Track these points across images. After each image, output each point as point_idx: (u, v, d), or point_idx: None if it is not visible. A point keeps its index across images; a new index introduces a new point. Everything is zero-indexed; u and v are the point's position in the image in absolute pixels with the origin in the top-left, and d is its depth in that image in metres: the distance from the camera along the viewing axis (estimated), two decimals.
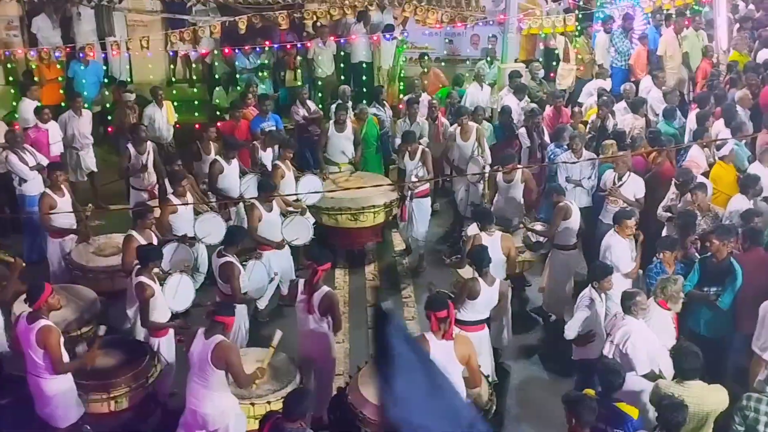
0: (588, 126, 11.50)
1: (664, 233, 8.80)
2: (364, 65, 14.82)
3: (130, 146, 10.71)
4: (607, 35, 14.16)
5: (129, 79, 14.92)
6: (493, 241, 7.54)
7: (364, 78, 14.81)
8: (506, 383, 8.38)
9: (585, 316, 7.34)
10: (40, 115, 11.33)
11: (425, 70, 13.71)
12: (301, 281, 7.47)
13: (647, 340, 6.71)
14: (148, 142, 10.83)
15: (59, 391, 6.73)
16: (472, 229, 9.65)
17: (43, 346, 6.56)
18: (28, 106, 11.90)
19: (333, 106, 12.08)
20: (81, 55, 13.41)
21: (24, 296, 7.59)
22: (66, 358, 6.73)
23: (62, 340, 6.74)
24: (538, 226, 9.34)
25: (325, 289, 7.30)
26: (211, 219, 9.32)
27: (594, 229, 9.48)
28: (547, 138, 11.12)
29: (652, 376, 6.51)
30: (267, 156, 10.59)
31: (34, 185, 10.18)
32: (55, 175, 9.28)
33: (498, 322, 8.13)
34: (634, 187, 9.39)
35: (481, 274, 7.45)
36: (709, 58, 13.49)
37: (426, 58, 13.97)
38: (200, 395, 6.45)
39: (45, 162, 10.44)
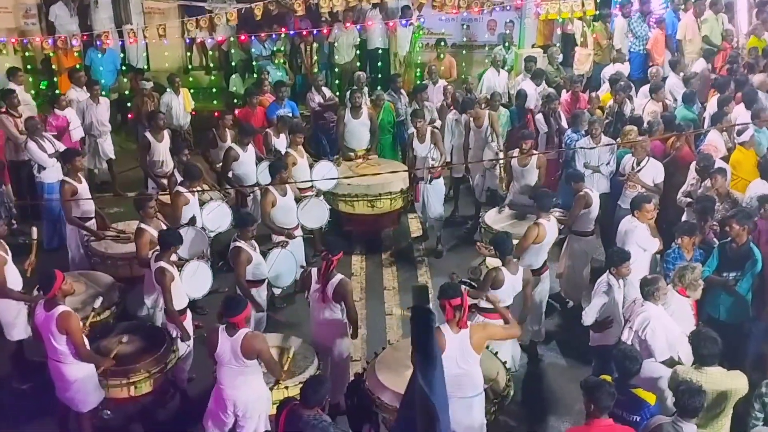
0: (605, 111, 11.42)
1: (683, 218, 8.75)
2: (380, 51, 14.78)
3: (147, 134, 10.75)
4: (625, 20, 14.04)
5: (146, 67, 14.97)
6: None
7: (380, 64, 14.78)
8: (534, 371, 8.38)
9: (603, 303, 7.30)
10: (58, 103, 11.40)
11: (441, 56, 13.66)
12: (314, 270, 7.46)
13: (666, 326, 6.67)
14: (165, 130, 10.87)
15: (79, 376, 6.78)
16: (489, 217, 9.65)
17: (65, 331, 6.60)
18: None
19: (348, 92, 12.08)
20: (98, 43, 13.46)
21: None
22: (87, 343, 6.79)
23: (81, 325, 6.79)
24: (557, 213, 9.29)
25: (339, 276, 7.29)
26: (217, 208, 9.31)
27: (612, 215, 9.43)
28: (564, 123, 11.07)
29: (670, 363, 6.47)
30: (281, 142, 10.58)
31: (52, 173, 10.26)
32: (73, 161, 9.32)
33: (529, 315, 8.11)
34: (653, 172, 9.32)
35: (504, 262, 7.42)
36: (729, 42, 13.34)
37: (443, 44, 13.91)
38: (237, 382, 6.41)
39: (63, 149, 10.49)
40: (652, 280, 6.84)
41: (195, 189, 9.04)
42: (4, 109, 11.15)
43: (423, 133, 10.45)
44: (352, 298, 7.38)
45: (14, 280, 7.73)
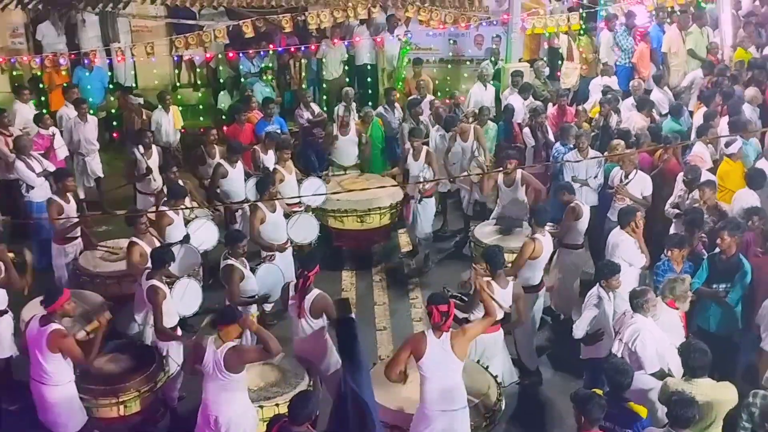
0: (592, 124, 11.48)
1: (671, 231, 8.79)
2: (368, 67, 14.84)
3: (136, 150, 10.74)
4: (610, 33, 14.15)
5: (134, 85, 14.98)
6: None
7: (368, 80, 14.82)
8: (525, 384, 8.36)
9: (593, 315, 7.31)
10: (42, 122, 11.38)
11: (418, 74, 13.68)
12: (292, 285, 7.45)
13: (656, 338, 6.67)
14: (154, 147, 10.86)
15: (61, 398, 6.72)
16: (479, 231, 9.65)
17: (58, 349, 6.56)
18: (21, 109, 12.01)
19: (339, 111, 12.12)
20: (86, 61, 13.47)
21: (33, 301, 7.68)
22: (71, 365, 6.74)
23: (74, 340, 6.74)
24: (547, 227, 9.29)
25: (316, 291, 7.26)
26: (203, 225, 9.28)
27: (601, 228, 9.45)
28: (551, 137, 11.12)
29: (660, 375, 6.48)
30: (269, 159, 10.57)
31: (40, 191, 10.23)
32: (65, 181, 9.32)
33: (522, 333, 8.14)
34: (641, 185, 9.37)
35: (494, 276, 7.42)
36: (714, 55, 13.46)
37: (420, 62, 13.92)
38: (221, 399, 6.39)
39: (51, 168, 10.47)
40: (642, 292, 6.86)
41: (181, 207, 9.01)
42: None
43: (419, 151, 10.46)
44: (333, 310, 7.27)
45: (2, 299, 7.71)
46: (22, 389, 7.35)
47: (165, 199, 9.29)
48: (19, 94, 12.37)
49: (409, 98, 12.43)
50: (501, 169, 9.76)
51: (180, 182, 9.58)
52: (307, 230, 9.59)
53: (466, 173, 10.70)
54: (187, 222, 9.26)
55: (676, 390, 5.87)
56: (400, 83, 14.51)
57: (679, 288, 7.05)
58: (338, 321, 6.45)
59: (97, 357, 7.17)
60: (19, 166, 10.27)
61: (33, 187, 10.31)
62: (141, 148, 10.68)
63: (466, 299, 7.69)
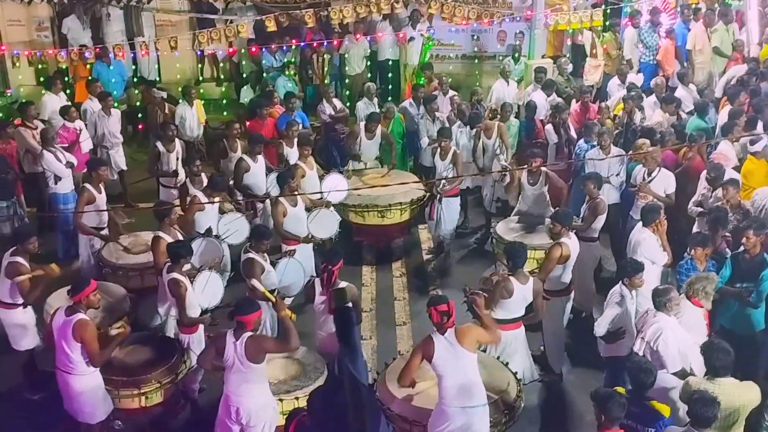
0: (615, 121, 11.40)
1: (695, 229, 8.72)
2: (390, 62, 14.83)
3: (159, 144, 10.81)
4: (635, 30, 14.05)
5: (157, 79, 15.08)
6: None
7: (390, 75, 14.81)
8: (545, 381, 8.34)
9: (615, 313, 7.26)
10: (68, 115, 11.48)
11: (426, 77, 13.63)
12: (317, 281, 7.48)
13: (679, 337, 6.63)
14: (177, 140, 10.93)
15: (86, 387, 6.80)
16: (501, 227, 9.61)
17: (80, 339, 6.63)
18: (51, 100, 12.20)
19: (360, 106, 12.09)
20: (110, 55, 13.56)
21: (59, 291, 7.76)
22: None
23: (96, 334, 6.82)
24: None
25: (343, 284, 7.33)
26: (235, 219, 9.32)
27: (623, 226, 9.39)
28: (573, 134, 11.06)
29: (682, 374, 6.43)
30: (293, 153, 10.61)
31: (66, 183, 10.35)
32: (98, 170, 9.42)
33: (553, 335, 8.15)
34: (664, 183, 9.29)
35: (515, 273, 7.39)
36: (740, 52, 13.33)
37: (431, 67, 13.79)
38: (241, 390, 6.43)
39: (74, 161, 10.58)
40: (665, 291, 6.81)
41: (205, 202, 9.07)
42: (20, 122, 11.28)
43: (446, 151, 10.44)
44: (359, 301, 7.39)
45: None
46: (46, 379, 7.46)
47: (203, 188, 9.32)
48: (50, 86, 12.50)
49: (425, 95, 12.37)
50: (526, 166, 9.70)
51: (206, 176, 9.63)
52: (327, 225, 9.61)
53: (489, 171, 10.66)
54: (222, 212, 9.31)
55: (698, 389, 5.83)
56: (422, 79, 14.50)
57: (710, 286, 7.00)
58: (335, 309, 6.68)
59: (120, 348, 7.27)
60: (48, 157, 10.37)
61: (60, 179, 10.41)
62: (162, 141, 10.74)
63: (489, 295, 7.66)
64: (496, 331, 6.73)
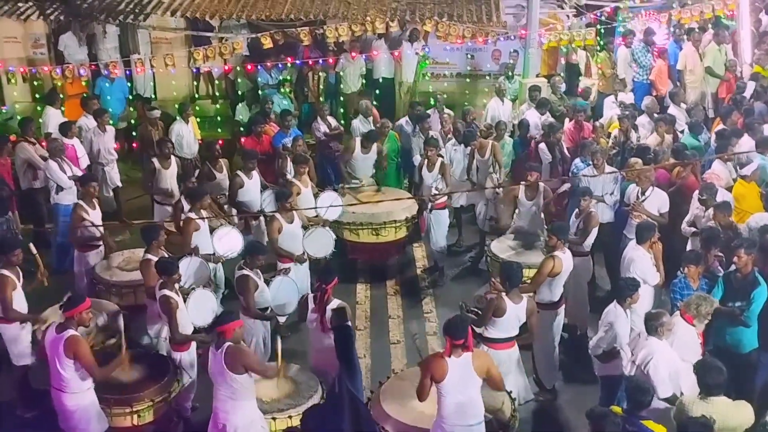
0: (611, 140, 11.45)
1: (688, 248, 8.74)
2: (385, 81, 14.89)
3: (154, 161, 10.81)
4: (628, 49, 14.15)
5: (153, 96, 15.10)
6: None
7: (385, 93, 14.87)
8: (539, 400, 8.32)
9: (611, 333, 7.26)
10: (65, 131, 11.50)
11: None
12: (311, 297, 7.47)
13: (670, 361, 6.63)
14: (173, 157, 10.94)
15: (81, 405, 6.77)
16: (495, 245, 9.63)
17: (72, 355, 6.62)
18: (51, 114, 12.27)
19: (356, 124, 12.15)
20: (107, 72, 13.60)
21: (53, 308, 7.74)
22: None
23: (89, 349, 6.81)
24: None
25: (336, 302, 7.31)
26: (228, 233, 9.30)
27: (617, 245, 9.40)
28: (567, 153, 11.09)
29: (673, 400, 6.43)
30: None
31: (69, 195, 10.38)
32: (89, 186, 9.44)
33: (542, 350, 8.12)
34: (657, 202, 9.32)
35: (508, 292, 7.39)
36: (733, 72, 13.42)
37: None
38: (228, 406, 6.44)
39: (79, 173, 10.63)
40: (657, 315, 6.79)
41: (199, 217, 9.07)
42: (16, 138, 11.32)
43: (433, 162, 10.48)
44: (350, 321, 7.37)
45: (20, 305, 7.79)
46: (40, 397, 7.43)
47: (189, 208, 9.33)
48: (52, 101, 12.58)
49: (420, 112, 12.42)
50: (525, 182, 9.72)
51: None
52: (322, 244, 9.59)
53: (484, 187, 10.69)
54: (212, 229, 9.29)
55: (690, 410, 5.83)
56: (418, 97, 14.55)
57: (705, 308, 6.99)
58: (335, 328, 6.69)
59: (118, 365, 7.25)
60: (52, 166, 10.44)
61: (63, 189, 10.44)
62: (158, 159, 10.75)
63: (480, 314, 7.66)
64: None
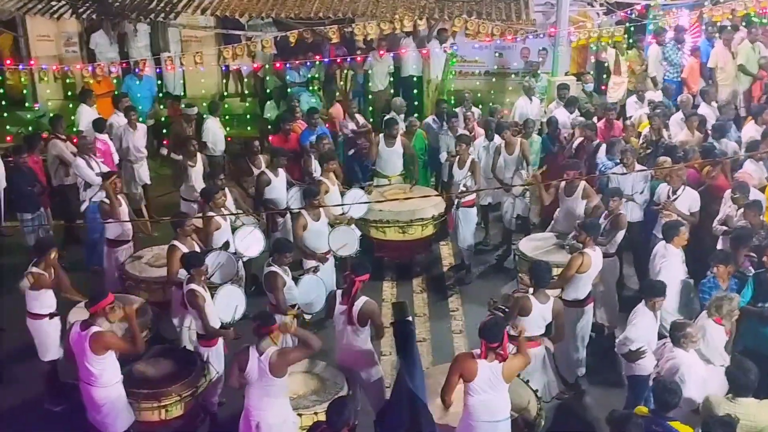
0: (642, 139, 11.34)
1: (718, 247, 8.64)
2: (413, 79, 14.88)
3: (181, 158, 10.89)
4: (659, 47, 14.00)
5: (183, 94, 15.22)
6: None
7: (413, 91, 14.86)
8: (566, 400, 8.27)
9: (638, 332, 7.20)
10: (100, 128, 11.64)
11: None
12: (339, 292, 7.47)
13: (696, 373, 6.56)
14: (199, 155, 11.02)
15: (109, 398, 6.85)
16: (524, 244, 9.58)
17: (103, 350, 6.68)
18: (85, 112, 12.41)
19: (385, 119, 12.16)
20: (136, 70, 13.75)
21: (79, 305, 7.84)
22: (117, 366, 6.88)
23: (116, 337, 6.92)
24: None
25: (364, 298, 7.29)
26: (249, 232, 9.34)
27: (647, 244, 9.31)
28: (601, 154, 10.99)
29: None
30: (319, 167, 10.67)
31: (98, 193, 10.46)
32: (111, 182, 9.51)
33: (564, 345, 8.03)
34: (689, 201, 9.21)
35: (535, 291, 7.35)
36: (766, 70, 13.22)
37: None
38: (262, 404, 6.45)
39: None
40: (681, 326, 6.70)
41: (226, 213, 9.14)
42: (47, 135, 11.47)
43: (464, 159, 10.46)
44: (379, 316, 7.39)
45: (50, 302, 7.93)
46: (68, 391, 7.52)
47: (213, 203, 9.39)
48: (85, 98, 12.74)
49: (448, 110, 12.38)
50: (561, 179, 9.66)
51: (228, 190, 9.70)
52: (347, 242, 9.59)
53: (512, 185, 10.65)
54: (234, 229, 9.35)
55: (718, 409, 5.77)
56: (446, 95, 14.52)
57: (726, 307, 6.93)
58: (396, 323, 6.53)
59: (141, 361, 7.31)
60: (79, 164, 10.58)
61: (90, 186, 10.55)
62: (185, 156, 10.84)
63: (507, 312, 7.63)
64: (527, 356, 6.67)
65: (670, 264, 8.01)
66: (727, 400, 5.95)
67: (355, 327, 7.25)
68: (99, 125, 11.72)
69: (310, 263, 9.03)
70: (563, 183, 9.56)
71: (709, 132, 11.13)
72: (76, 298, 8.09)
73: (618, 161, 10.08)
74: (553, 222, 9.90)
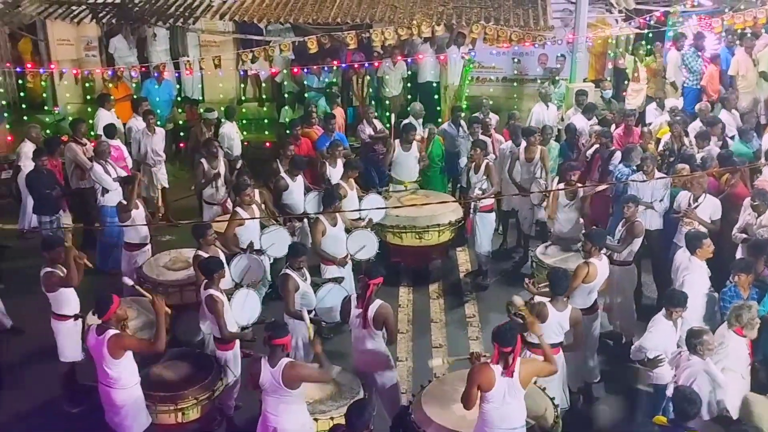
0: (662, 146, 11.27)
1: (738, 255, 8.57)
2: (431, 84, 14.88)
3: (203, 161, 10.93)
4: (678, 53, 13.94)
5: (201, 98, 15.29)
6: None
7: (431, 97, 14.86)
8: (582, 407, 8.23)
9: (655, 340, 7.15)
10: (111, 133, 11.72)
11: None
12: (354, 296, 7.46)
13: (714, 381, 6.50)
14: (220, 157, 11.06)
15: (128, 401, 6.87)
16: (541, 251, 9.55)
17: (121, 353, 6.70)
18: (103, 116, 12.51)
19: (402, 124, 12.15)
20: (155, 74, 13.83)
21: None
22: (135, 369, 6.90)
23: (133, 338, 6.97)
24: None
25: (379, 302, 7.28)
26: (277, 232, 9.39)
27: (667, 252, 9.25)
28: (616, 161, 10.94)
29: (719, 419, 6.31)
30: (336, 172, 10.67)
31: (114, 196, 10.54)
32: (128, 187, 9.57)
33: (580, 354, 8.00)
34: (710, 209, 9.14)
35: (553, 298, 7.32)
36: None
37: None
38: (279, 410, 6.43)
39: (123, 175, 10.79)
40: (698, 333, 6.66)
41: (248, 218, 9.16)
42: (67, 138, 11.57)
43: (479, 164, 10.46)
44: (393, 320, 7.39)
45: (74, 303, 7.99)
46: (86, 392, 7.55)
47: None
48: (104, 102, 12.84)
49: (471, 116, 12.39)
50: (566, 182, 9.62)
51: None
52: (365, 246, 9.60)
53: (530, 192, 10.61)
54: (263, 228, 9.38)
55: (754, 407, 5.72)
56: (463, 101, 14.52)
57: (746, 315, 6.88)
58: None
59: (158, 364, 7.33)
60: (96, 169, 10.66)
61: (108, 191, 10.61)
62: (207, 159, 10.88)
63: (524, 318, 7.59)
64: (554, 363, 6.64)
65: (693, 277, 7.92)
66: (765, 399, 5.89)
67: (370, 330, 7.25)
68: (110, 131, 11.79)
69: (329, 268, 9.03)
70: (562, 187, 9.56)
71: (729, 140, 11.07)
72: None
73: (634, 168, 10.02)
74: (553, 229, 9.84)
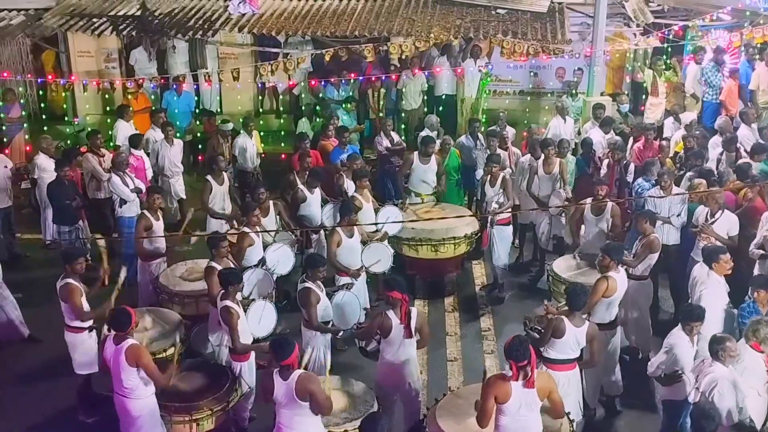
0: (680, 160, 11.21)
1: (755, 272, 8.50)
2: (448, 97, 14.89)
3: (209, 177, 10.89)
4: (697, 67, 13.88)
5: (219, 110, 15.39)
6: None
7: (447, 110, 14.86)
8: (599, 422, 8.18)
9: (672, 356, 7.09)
10: (136, 143, 11.81)
11: None
12: (390, 313, 7.29)
13: (736, 388, 6.43)
14: (224, 174, 11.07)
15: (143, 411, 6.90)
16: (558, 265, 9.51)
17: (135, 364, 6.74)
18: (122, 127, 12.65)
19: (420, 136, 12.16)
20: (174, 86, 13.94)
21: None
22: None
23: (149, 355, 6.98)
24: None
25: (415, 310, 7.38)
26: (279, 249, 9.40)
27: (684, 267, 9.18)
28: (630, 174, 10.89)
29: (739, 428, 6.24)
30: (353, 184, 10.69)
31: (132, 208, 10.65)
32: (153, 197, 9.66)
33: (598, 369, 7.94)
34: (727, 225, 9.07)
35: (570, 313, 7.27)
36: None
37: None
38: (294, 423, 6.42)
39: (142, 186, 10.87)
40: (720, 339, 6.61)
41: (265, 230, 9.21)
42: (86, 149, 11.69)
43: (495, 177, 10.45)
44: (427, 325, 7.50)
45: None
46: (101, 403, 7.57)
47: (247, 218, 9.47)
48: (123, 114, 12.96)
49: (489, 129, 12.38)
50: (593, 197, 9.57)
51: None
52: (381, 257, 9.60)
53: (548, 205, 10.58)
54: (265, 246, 9.41)
55: None
56: (480, 114, 14.52)
57: (763, 331, 6.82)
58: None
59: (173, 374, 7.35)
60: (114, 180, 10.74)
61: (126, 202, 10.69)
62: (212, 174, 10.86)
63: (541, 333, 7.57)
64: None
65: (711, 292, 7.85)
66: None
67: (411, 338, 7.30)
68: (135, 141, 11.89)
69: (343, 279, 9.04)
70: (589, 204, 9.51)
71: (744, 155, 10.99)
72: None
73: (654, 183, 9.97)
74: (580, 243, 9.79)
